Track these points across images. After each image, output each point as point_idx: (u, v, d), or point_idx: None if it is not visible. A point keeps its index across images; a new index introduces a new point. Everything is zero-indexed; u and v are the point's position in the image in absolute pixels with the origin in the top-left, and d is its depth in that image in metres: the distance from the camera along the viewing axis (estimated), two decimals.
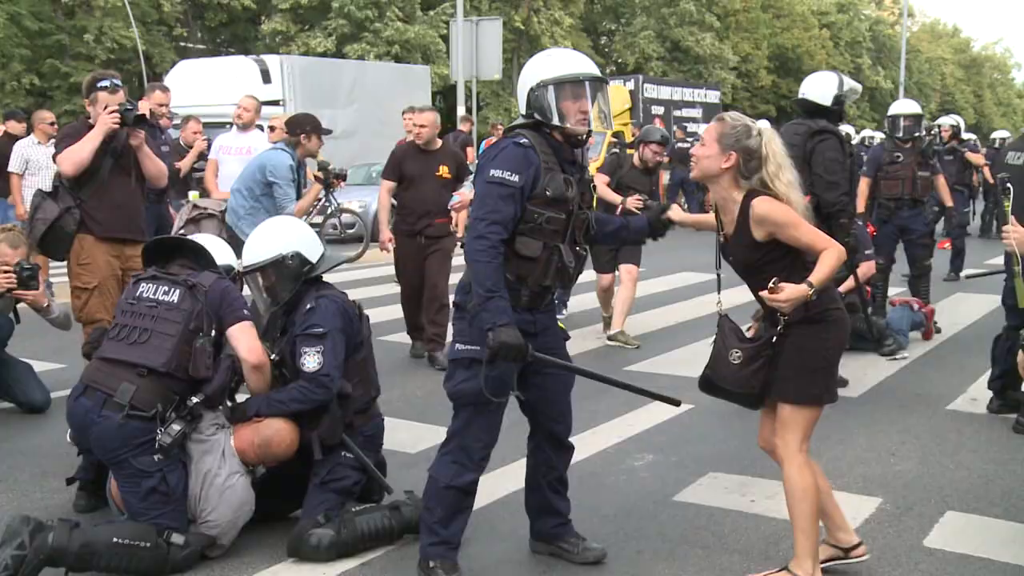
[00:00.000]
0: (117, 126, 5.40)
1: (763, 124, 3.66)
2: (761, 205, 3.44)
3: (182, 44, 32.93)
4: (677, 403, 4.05)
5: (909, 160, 8.49)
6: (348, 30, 31.18)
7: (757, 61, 43.66)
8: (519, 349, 3.33)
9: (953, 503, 4.51)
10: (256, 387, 4.02)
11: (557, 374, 3.77)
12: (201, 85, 15.74)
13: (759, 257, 3.51)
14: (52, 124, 10.14)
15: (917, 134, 8.71)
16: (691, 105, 24.70)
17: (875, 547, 4.04)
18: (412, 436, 5.42)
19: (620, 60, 41.54)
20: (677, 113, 23.57)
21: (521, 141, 3.51)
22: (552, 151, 3.55)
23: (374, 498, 4.21)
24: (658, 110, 23.03)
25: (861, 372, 7.10)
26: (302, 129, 6.86)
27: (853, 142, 18.36)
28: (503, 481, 4.67)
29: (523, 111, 3.62)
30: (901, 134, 8.60)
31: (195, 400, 3.83)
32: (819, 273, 3.35)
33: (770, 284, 3.34)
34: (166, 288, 3.89)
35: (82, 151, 5.38)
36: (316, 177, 7.13)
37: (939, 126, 13.75)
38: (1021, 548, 4.02)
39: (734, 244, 3.59)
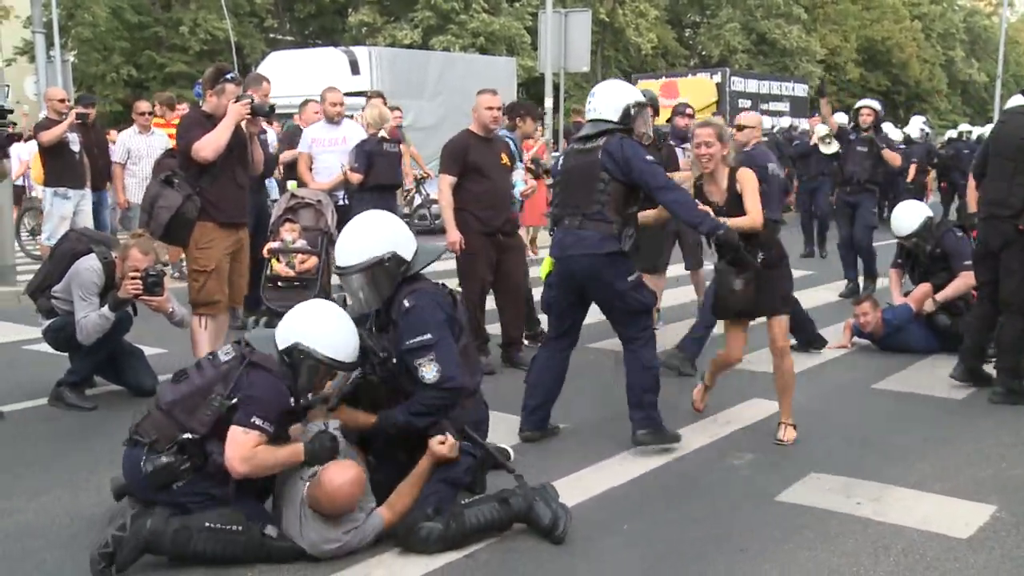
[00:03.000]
0: (248, 116, 5.80)
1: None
2: (745, 170, 5.17)
3: (272, 36, 33.55)
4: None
5: None
6: (434, 22, 31.40)
7: (845, 54, 42.72)
8: (738, 248, 4.83)
9: None
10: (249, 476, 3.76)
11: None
12: (292, 76, 15.94)
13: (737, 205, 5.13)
14: (143, 114, 10.41)
15: None
16: (778, 99, 24.26)
17: (993, 556, 3.91)
18: (507, 429, 5.42)
19: (705, 53, 41.04)
20: (764, 107, 23.16)
21: (632, 139, 4.98)
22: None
23: (476, 490, 4.22)
24: (745, 103, 22.64)
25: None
26: (516, 113, 7.79)
27: (946, 137, 17.90)
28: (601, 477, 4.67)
29: (613, 118, 5.00)
30: None
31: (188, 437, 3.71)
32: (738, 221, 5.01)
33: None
34: (228, 350, 3.91)
35: (220, 139, 5.74)
36: (527, 168, 7.89)
37: (858, 109, 10.69)
38: None
39: (728, 207, 5.10)
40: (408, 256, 4.17)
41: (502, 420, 5.41)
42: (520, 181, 7.45)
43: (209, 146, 5.73)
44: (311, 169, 8.41)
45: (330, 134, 8.47)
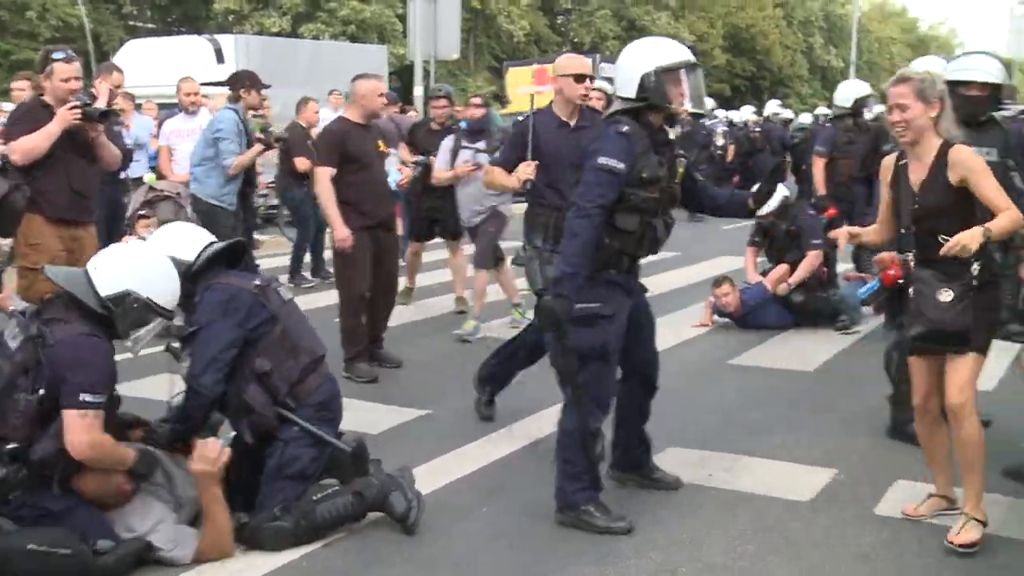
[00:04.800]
0: (78, 121, 5.30)
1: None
2: (960, 151, 3.78)
3: (131, 23, 32.34)
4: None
5: (861, 139, 8.62)
6: (303, 9, 30.82)
7: (712, 40, 43.82)
8: (557, 322, 3.79)
9: (903, 473, 4.63)
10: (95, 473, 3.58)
11: (648, 322, 4.39)
12: (153, 65, 15.45)
13: (947, 200, 3.78)
14: None
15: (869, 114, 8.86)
16: None
17: (831, 516, 4.16)
18: (372, 418, 5.43)
19: (576, 39, 41.48)
20: None
21: (623, 130, 3.90)
22: (648, 134, 3.95)
23: (335, 474, 4.06)
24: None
25: (815, 347, 7.24)
26: (241, 84, 7.35)
27: (805, 122, 18.57)
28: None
29: (630, 95, 3.96)
30: (859, 115, 8.75)
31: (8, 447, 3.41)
32: (997, 223, 3.64)
33: (941, 241, 3.66)
34: (14, 332, 3.55)
35: (38, 146, 5.26)
36: (257, 139, 7.38)
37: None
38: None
39: (926, 192, 3.82)
40: (189, 257, 3.95)
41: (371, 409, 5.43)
42: (395, 171, 7.41)
43: (21, 150, 5.24)
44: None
45: (187, 124, 8.30)
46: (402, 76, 27.24)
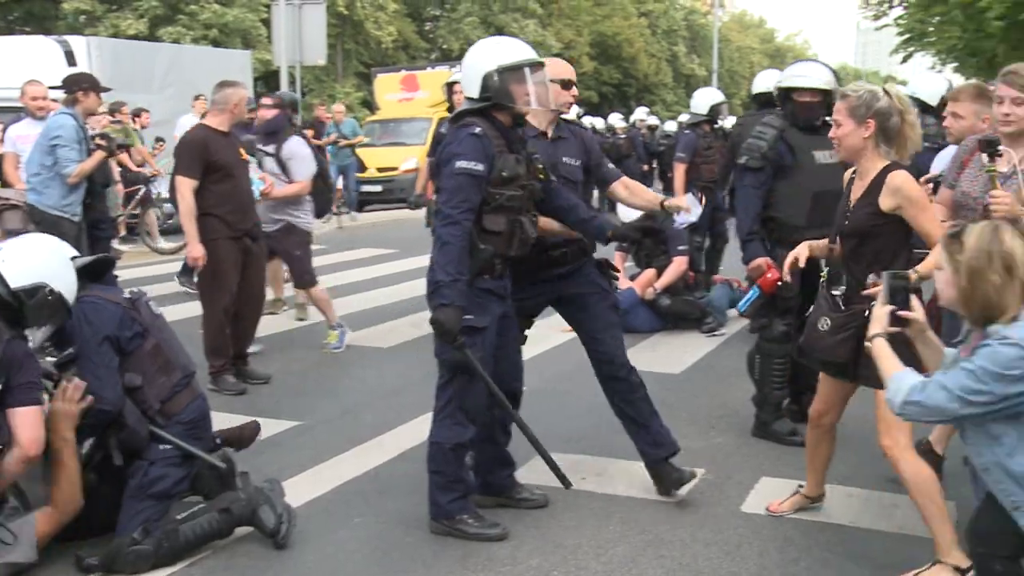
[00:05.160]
0: None
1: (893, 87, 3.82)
2: (897, 176, 3.63)
3: None
4: (568, 485, 4.24)
5: (718, 144, 8.95)
6: (161, 11, 29.86)
7: (579, 48, 44.58)
8: (451, 335, 3.70)
9: (767, 470, 4.78)
10: (15, 472, 3.56)
11: (514, 333, 4.28)
12: None
13: (876, 224, 3.66)
14: None
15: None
16: None
17: (698, 514, 4.25)
18: None
19: (445, 46, 41.56)
20: None
21: (476, 131, 3.82)
22: (500, 133, 3.90)
23: (199, 490, 4.01)
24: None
25: (682, 350, 7.42)
26: (78, 86, 6.92)
27: (671, 129, 19.02)
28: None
29: (475, 94, 3.89)
30: (717, 121, 9.16)
31: None
32: (925, 263, 3.47)
33: (870, 280, 3.51)
34: None
35: None
36: (99, 146, 7.05)
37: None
38: (825, 506, 4.32)
39: (856, 210, 3.73)
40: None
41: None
42: (258, 179, 7.23)
43: None
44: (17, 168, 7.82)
45: (35, 130, 7.88)
46: (268, 82, 26.76)
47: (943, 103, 6.66)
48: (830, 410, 4.00)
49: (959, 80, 22.07)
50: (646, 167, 18.25)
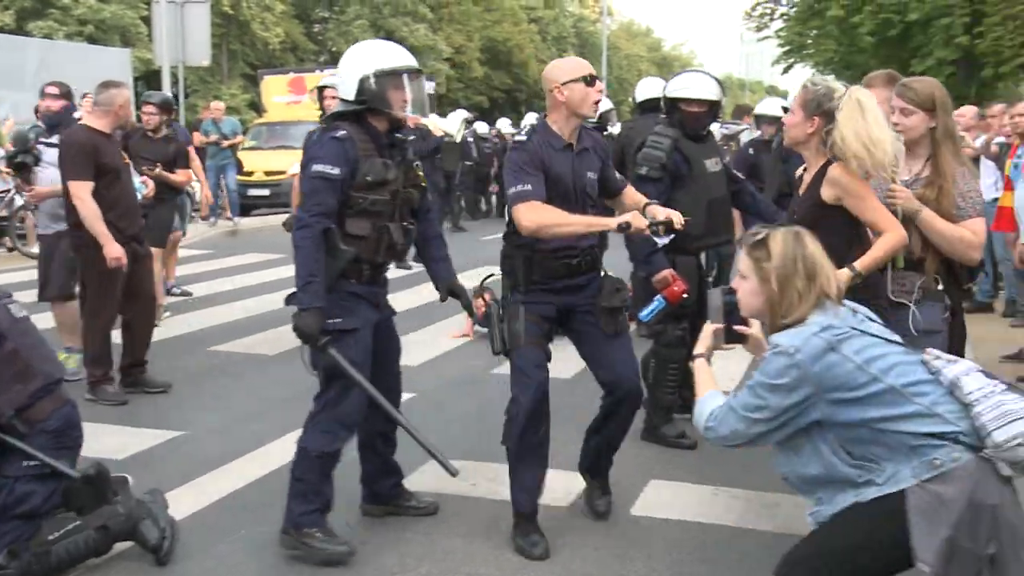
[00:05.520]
0: None
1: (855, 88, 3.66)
2: (836, 168, 3.61)
3: None
4: (454, 473, 4.02)
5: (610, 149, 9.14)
6: (29, 4, 28.65)
7: (470, 53, 44.69)
8: (312, 337, 3.65)
9: (654, 473, 4.86)
10: None
11: (393, 343, 4.19)
12: None
13: (819, 216, 3.57)
14: None
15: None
16: None
17: (588, 518, 4.28)
18: (117, 442, 5.11)
19: (334, 49, 41.09)
20: None
21: (338, 135, 3.74)
22: (370, 138, 3.82)
23: (73, 505, 3.74)
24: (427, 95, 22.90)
25: (573, 354, 7.44)
26: None
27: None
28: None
29: (350, 97, 3.81)
30: (607, 128, 9.38)
31: None
32: (867, 258, 3.50)
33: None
34: None
35: None
36: None
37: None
38: (710, 508, 4.42)
39: (801, 201, 3.78)
40: None
41: (114, 433, 5.09)
42: (140, 184, 7.00)
43: None
44: None
45: None
46: (149, 81, 25.97)
47: None
48: None
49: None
50: None
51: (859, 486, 2.56)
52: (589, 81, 3.91)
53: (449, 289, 4.26)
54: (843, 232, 3.61)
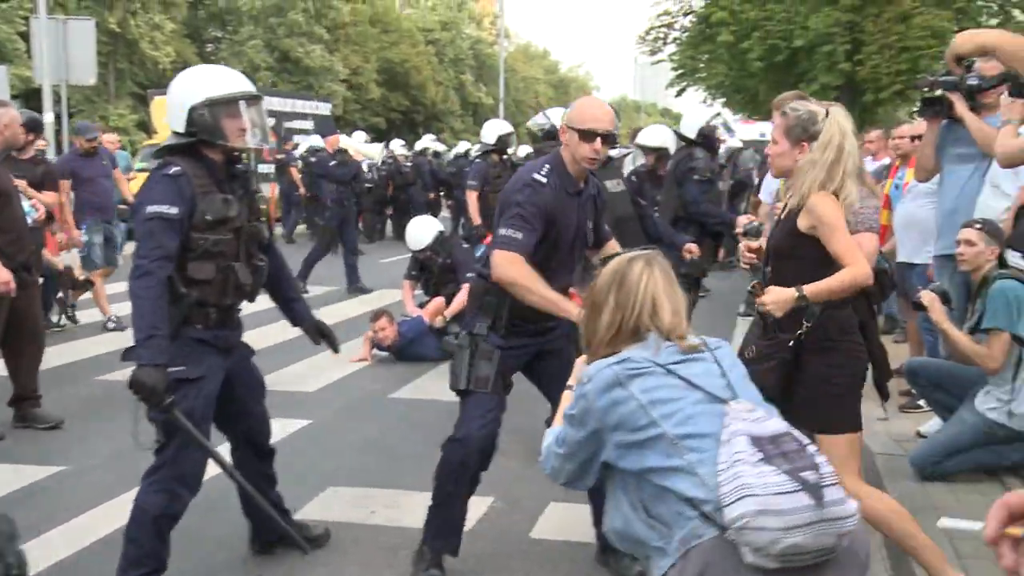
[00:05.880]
0: None
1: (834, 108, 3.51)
2: (817, 198, 3.37)
3: None
4: (305, 551, 3.93)
5: (508, 173, 9.13)
6: None
7: (367, 74, 44.46)
8: (154, 395, 3.29)
9: (555, 495, 4.84)
10: None
11: (253, 384, 3.92)
12: None
13: (793, 245, 3.45)
14: None
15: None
16: (302, 117, 24.53)
17: (487, 541, 4.25)
18: None
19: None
20: (288, 125, 23.30)
21: (171, 171, 3.44)
22: (206, 172, 3.52)
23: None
24: (268, 121, 22.59)
25: None
26: None
27: (463, 147, 19.23)
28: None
29: (180, 130, 3.52)
30: (506, 151, 9.42)
31: None
32: (819, 285, 3.30)
33: (752, 285, 3.39)
34: None
35: None
36: None
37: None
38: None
39: (779, 227, 3.58)
40: None
41: None
42: (31, 208, 6.72)
43: None
44: None
45: None
46: (28, 100, 25.04)
47: (704, 136, 7.06)
48: None
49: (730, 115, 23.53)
50: (432, 195, 18.34)
51: (658, 552, 2.24)
52: (588, 138, 3.66)
53: (317, 330, 4.06)
54: (817, 263, 3.39)
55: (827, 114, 3.41)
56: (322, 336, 4.08)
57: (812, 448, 2.20)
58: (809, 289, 3.29)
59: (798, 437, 2.22)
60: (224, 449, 3.91)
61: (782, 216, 3.58)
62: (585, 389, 2.36)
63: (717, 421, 2.24)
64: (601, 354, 2.43)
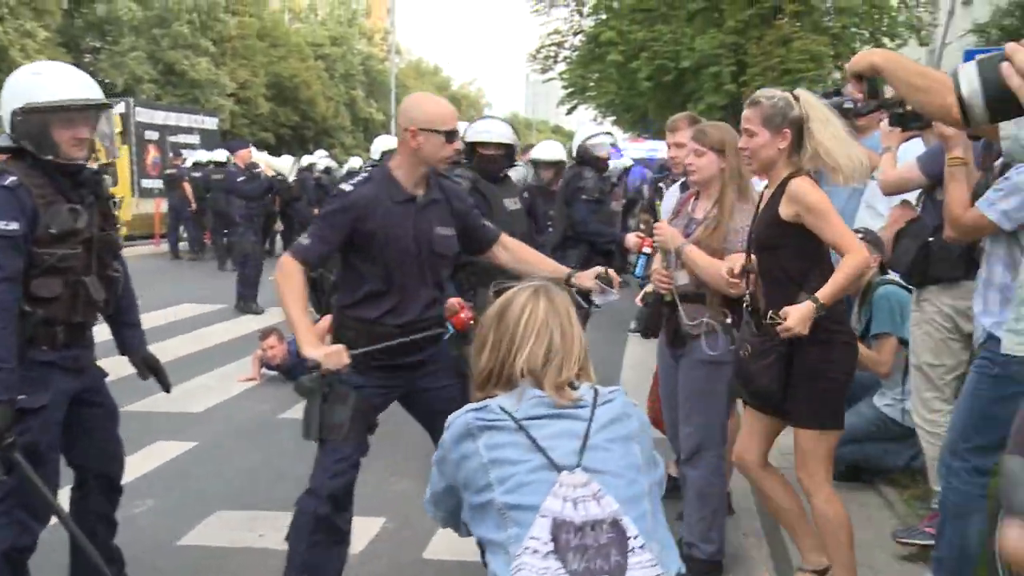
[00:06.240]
0: None
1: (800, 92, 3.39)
2: (798, 184, 3.25)
3: None
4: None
5: None
6: None
7: (255, 89, 43.69)
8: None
9: None
10: None
11: (105, 410, 3.54)
12: None
13: (777, 235, 3.33)
14: None
15: None
16: (188, 131, 23.98)
17: (381, 563, 4.19)
18: None
19: (108, 80, 39.18)
20: (173, 139, 22.74)
21: (7, 183, 3.09)
22: (48, 180, 3.19)
23: None
24: (152, 135, 22.03)
25: None
26: None
27: (355, 163, 19.01)
28: None
29: (8, 132, 3.19)
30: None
31: None
32: (829, 287, 3.19)
33: (769, 316, 3.24)
34: None
35: None
36: None
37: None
38: None
39: (759, 218, 3.42)
40: None
41: None
42: None
43: None
44: None
45: None
46: None
47: (582, 155, 7.13)
48: (749, 447, 3.60)
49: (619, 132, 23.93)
50: (316, 211, 18.11)
51: None
52: (450, 138, 3.43)
53: (146, 364, 3.68)
54: (804, 254, 3.33)
55: (796, 98, 3.33)
56: (151, 371, 3.70)
57: (634, 542, 1.94)
58: (824, 294, 3.20)
59: (622, 526, 1.94)
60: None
61: (760, 206, 3.47)
62: (444, 437, 2.11)
63: (546, 492, 1.96)
64: (478, 399, 2.15)
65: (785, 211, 3.30)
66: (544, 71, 24.87)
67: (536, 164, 7.22)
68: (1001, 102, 1.47)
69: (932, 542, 3.82)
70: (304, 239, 3.39)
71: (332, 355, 3.22)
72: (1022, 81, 1.30)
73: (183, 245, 18.30)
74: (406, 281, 3.45)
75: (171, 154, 20.81)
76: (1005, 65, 1.32)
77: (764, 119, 3.33)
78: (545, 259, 3.97)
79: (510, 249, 3.82)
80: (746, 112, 3.39)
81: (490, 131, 5.40)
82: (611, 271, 3.66)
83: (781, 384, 3.31)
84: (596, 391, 2.14)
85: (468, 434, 2.06)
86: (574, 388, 2.13)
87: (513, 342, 2.14)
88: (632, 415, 2.15)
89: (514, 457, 2.00)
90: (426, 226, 3.47)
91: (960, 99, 1.33)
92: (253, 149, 14.75)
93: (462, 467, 2.05)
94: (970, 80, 1.33)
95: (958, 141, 3.51)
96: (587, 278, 3.65)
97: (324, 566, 3.47)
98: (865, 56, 2.39)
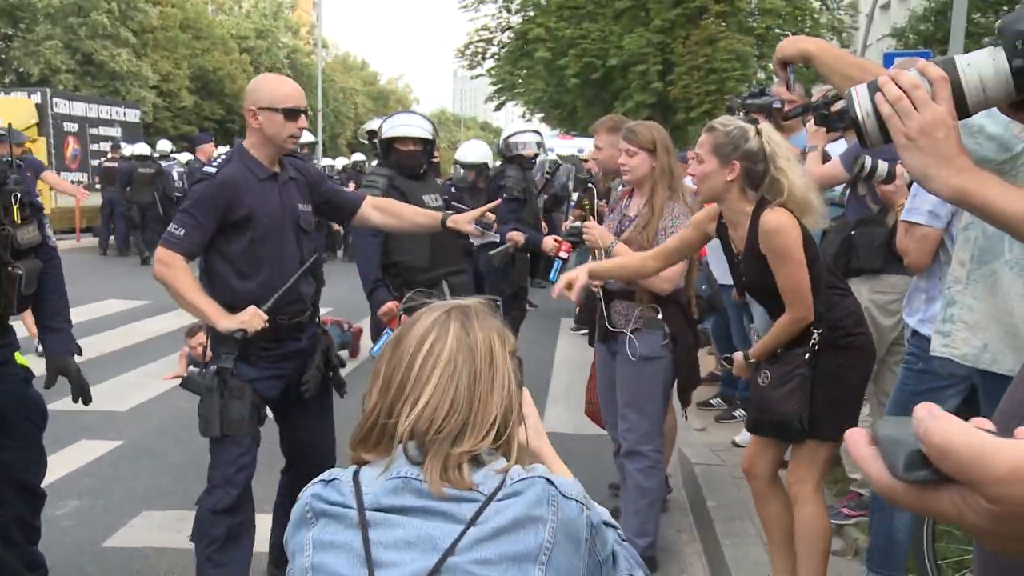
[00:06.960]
0: None
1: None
2: (767, 220, 3.03)
3: None
4: None
5: None
6: None
7: (178, 81, 42.87)
8: None
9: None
10: None
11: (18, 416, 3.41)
12: None
13: (768, 279, 3.10)
14: None
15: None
16: (109, 124, 23.41)
17: None
18: None
19: (22, 70, 38.08)
20: (93, 131, 22.17)
21: None
22: None
23: None
24: (72, 127, 21.45)
25: None
26: None
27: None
28: None
29: None
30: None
31: None
32: (759, 348, 3.16)
33: (722, 360, 3.22)
34: None
35: None
36: None
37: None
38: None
39: (746, 265, 3.20)
40: None
41: None
42: None
43: None
44: None
45: None
46: None
47: (503, 152, 7.15)
48: (756, 458, 3.39)
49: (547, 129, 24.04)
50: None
51: None
52: (290, 115, 3.35)
53: (60, 369, 3.54)
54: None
55: (758, 132, 3.13)
56: (64, 376, 3.56)
57: None
58: (755, 353, 3.22)
59: None
60: None
61: (741, 255, 3.25)
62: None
63: None
64: (354, 459, 1.52)
65: (763, 246, 3.11)
66: (472, 67, 24.88)
67: (459, 165, 7.18)
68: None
69: (848, 522, 4.07)
70: (176, 230, 3.26)
71: (250, 319, 3.21)
72: (891, 111, 1.36)
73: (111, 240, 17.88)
74: (277, 255, 3.39)
75: (110, 147, 20.20)
76: (878, 96, 1.37)
77: (714, 147, 3.14)
78: (419, 210, 3.99)
79: (381, 208, 3.84)
80: (700, 138, 3.24)
81: (407, 126, 5.27)
82: (489, 214, 3.72)
83: (807, 410, 3.11)
84: (505, 478, 1.41)
85: (303, 520, 1.46)
86: (478, 467, 1.43)
87: (404, 388, 1.46)
88: (545, 520, 1.36)
89: (337, 569, 1.38)
90: (290, 202, 3.46)
91: (855, 121, 1.37)
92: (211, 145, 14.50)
93: (293, 562, 1.45)
94: (863, 103, 1.38)
95: None
96: (464, 222, 3.68)
97: (238, 560, 3.42)
98: (795, 42, 2.23)
